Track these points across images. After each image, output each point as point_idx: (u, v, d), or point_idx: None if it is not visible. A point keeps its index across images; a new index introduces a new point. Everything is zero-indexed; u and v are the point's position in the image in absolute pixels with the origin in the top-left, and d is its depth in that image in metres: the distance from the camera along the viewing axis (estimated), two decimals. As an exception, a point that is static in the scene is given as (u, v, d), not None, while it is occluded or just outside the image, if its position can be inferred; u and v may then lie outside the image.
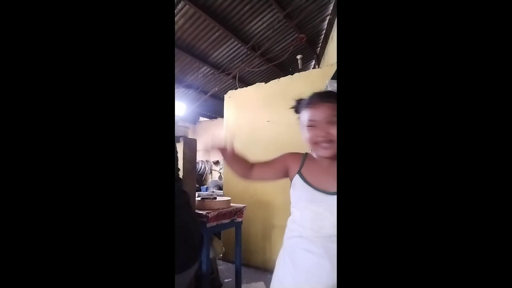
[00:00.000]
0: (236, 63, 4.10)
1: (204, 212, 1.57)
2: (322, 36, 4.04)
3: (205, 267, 1.54)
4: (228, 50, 3.88)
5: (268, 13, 3.26)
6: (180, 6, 2.89)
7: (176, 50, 3.52)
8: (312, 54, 4.45)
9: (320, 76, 2.08)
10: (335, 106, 0.68)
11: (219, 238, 2.44)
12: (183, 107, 5.04)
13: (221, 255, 2.35)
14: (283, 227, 0.82)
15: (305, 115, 0.74)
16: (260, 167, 0.81)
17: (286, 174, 0.80)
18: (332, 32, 3.48)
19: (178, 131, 1.66)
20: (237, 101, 2.74)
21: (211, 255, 1.70)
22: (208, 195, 2.11)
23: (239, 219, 1.83)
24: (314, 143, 0.72)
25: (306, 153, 0.81)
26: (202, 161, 6.12)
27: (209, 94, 4.81)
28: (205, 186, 5.45)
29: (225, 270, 2.34)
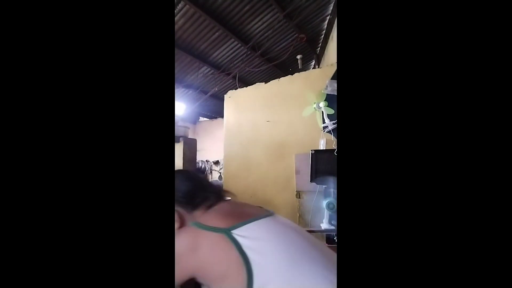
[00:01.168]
0: (236, 63, 4.09)
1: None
2: (322, 36, 4.04)
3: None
4: (228, 50, 3.87)
5: (268, 13, 3.25)
6: (180, 6, 2.88)
7: (176, 50, 3.51)
8: (312, 54, 4.45)
9: (320, 76, 2.08)
10: None
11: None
12: (183, 107, 5.04)
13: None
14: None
15: None
16: None
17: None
18: (332, 32, 3.47)
19: (178, 131, 1.66)
20: (237, 101, 2.74)
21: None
22: (208, 195, 2.10)
23: (239, 219, 1.82)
24: None
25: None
26: (202, 161, 6.12)
27: (209, 94, 4.81)
28: (205, 186, 5.43)
29: (225, 270, 2.33)
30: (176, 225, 0.59)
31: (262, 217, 0.56)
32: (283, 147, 2.30)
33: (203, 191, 0.62)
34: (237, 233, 0.50)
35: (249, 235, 0.49)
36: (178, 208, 0.60)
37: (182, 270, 0.49)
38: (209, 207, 0.60)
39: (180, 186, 0.62)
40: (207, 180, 0.68)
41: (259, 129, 2.49)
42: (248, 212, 0.57)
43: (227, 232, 0.49)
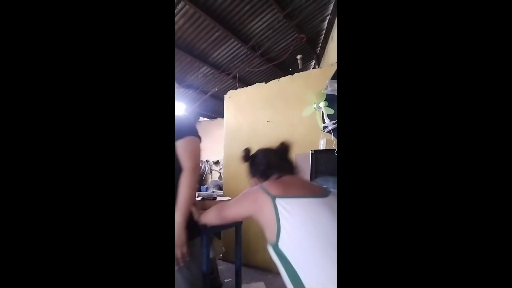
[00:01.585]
0: (236, 63, 4.09)
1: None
2: (322, 36, 4.03)
3: (205, 267, 1.54)
4: (228, 50, 3.87)
5: (268, 13, 3.25)
6: (180, 6, 2.88)
7: (176, 50, 3.51)
8: (312, 54, 4.45)
9: (320, 76, 2.08)
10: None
11: (219, 238, 2.44)
12: (183, 107, 5.04)
13: (221, 255, 2.35)
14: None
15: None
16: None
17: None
18: (332, 32, 3.47)
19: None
20: (237, 101, 2.74)
21: (211, 255, 1.70)
22: (208, 195, 2.12)
23: (239, 219, 1.83)
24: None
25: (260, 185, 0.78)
26: (202, 161, 6.11)
27: (209, 94, 4.80)
28: (205, 186, 5.45)
29: (225, 270, 2.34)
30: (254, 184, 0.87)
31: (310, 197, 0.71)
32: (282, 147, 2.29)
33: (273, 168, 0.86)
34: (280, 202, 0.68)
35: (287, 207, 0.67)
36: (257, 176, 0.89)
37: (245, 210, 0.77)
38: (277, 178, 0.82)
39: (259, 162, 0.90)
40: (282, 158, 0.89)
41: (259, 129, 2.49)
42: (302, 189, 0.75)
43: (273, 198, 0.69)
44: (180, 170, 0.88)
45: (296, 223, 0.66)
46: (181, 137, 0.89)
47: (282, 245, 0.65)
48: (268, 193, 0.71)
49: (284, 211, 0.67)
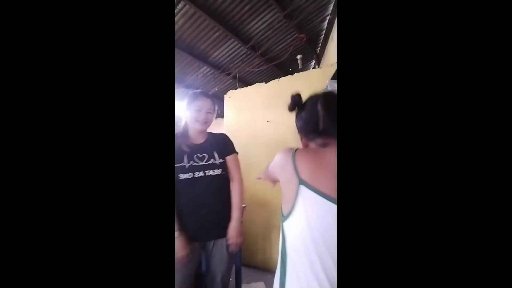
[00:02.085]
0: (236, 63, 4.10)
1: (204, 212, 1.56)
2: (322, 36, 4.04)
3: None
4: (228, 50, 3.87)
5: (268, 13, 3.25)
6: (180, 6, 2.88)
7: (176, 50, 3.51)
8: (312, 54, 4.45)
9: (320, 76, 2.08)
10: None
11: (219, 238, 2.44)
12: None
13: (221, 255, 2.34)
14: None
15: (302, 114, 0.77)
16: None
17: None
18: (332, 32, 3.47)
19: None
20: (237, 101, 2.74)
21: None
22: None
23: (239, 219, 1.83)
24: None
25: (296, 150, 0.69)
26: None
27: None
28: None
29: (225, 270, 2.33)
30: (299, 141, 0.81)
31: (325, 197, 0.59)
32: (283, 147, 2.30)
33: (318, 130, 0.71)
34: (303, 190, 0.62)
35: (304, 195, 0.61)
36: (301, 134, 0.79)
37: (276, 175, 0.74)
38: (321, 145, 0.72)
39: (305, 114, 0.75)
40: (328, 123, 0.70)
41: (259, 129, 2.49)
42: (331, 182, 0.58)
43: (299, 182, 0.62)
44: (228, 179, 1.25)
45: (306, 222, 0.59)
46: (228, 153, 1.26)
47: (285, 226, 0.64)
48: (297, 172, 0.63)
49: (302, 202, 0.61)
